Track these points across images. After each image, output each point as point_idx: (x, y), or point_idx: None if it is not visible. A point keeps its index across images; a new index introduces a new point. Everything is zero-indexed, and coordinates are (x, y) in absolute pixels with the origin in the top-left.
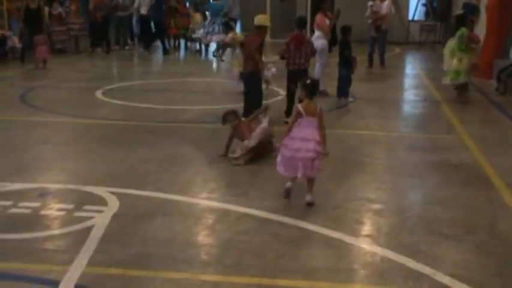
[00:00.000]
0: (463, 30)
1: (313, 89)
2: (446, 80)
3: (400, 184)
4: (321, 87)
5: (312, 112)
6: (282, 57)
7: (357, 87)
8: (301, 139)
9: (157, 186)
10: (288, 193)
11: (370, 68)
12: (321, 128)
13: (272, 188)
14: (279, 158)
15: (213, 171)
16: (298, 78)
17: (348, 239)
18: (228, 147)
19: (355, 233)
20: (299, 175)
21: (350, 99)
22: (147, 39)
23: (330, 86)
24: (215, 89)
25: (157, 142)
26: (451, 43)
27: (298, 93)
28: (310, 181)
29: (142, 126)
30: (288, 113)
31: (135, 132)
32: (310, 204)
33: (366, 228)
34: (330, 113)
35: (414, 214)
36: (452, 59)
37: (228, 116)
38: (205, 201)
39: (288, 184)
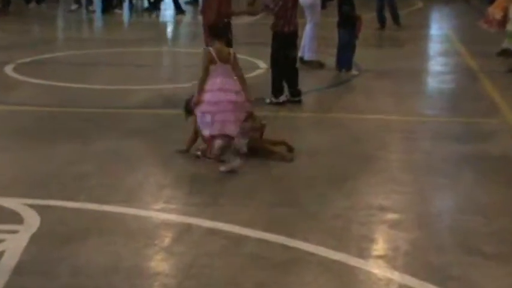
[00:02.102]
0: None
1: (224, 29)
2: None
3: (424, 186)
4: (313, 56)
5: (225, 58)
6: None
7: (363, 55)
8: (219, 90)
9: (93, 195)
10: (229, 167)
11: (382, 29)
12: (238, 75)
13: (249, 194)
14: (199, 120)
15: (170, 173)
16: (293, 43)
17: (353, 261)
18: (192, 142)
19: (362, 253)
20: (229, 131)
21: (354, 72)
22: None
23: (327, 54)
24: (172, 62)
25: (94, 135)
26: None
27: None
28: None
29: (72, 113)
30: (278, 90)
31: (63, 122)
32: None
33: (378, 247)
34: (327, 91)
35: (443, 226)
36: None
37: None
38: (160, 214)
39: (224, 157)
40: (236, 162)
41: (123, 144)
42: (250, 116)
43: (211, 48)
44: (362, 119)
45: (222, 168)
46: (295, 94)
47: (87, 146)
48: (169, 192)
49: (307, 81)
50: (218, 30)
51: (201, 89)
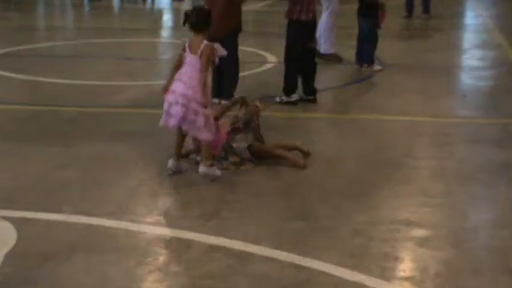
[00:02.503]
0: None
1: (196, 18)
2: None
3: (457, 198)
4: (330, 49)
5: (195, 48)
6: None
7: (386, 48)
8: (176, 79)
9: (79, 207)
10: (174, 168)
11: (409, 17)
12: (202, 71)
13: (256, 205)
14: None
15: (166, 181)
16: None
17: (374, 282)
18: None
19: (385, 274)
20: (171, 123)
21: (376, 67)
22: None
23: (345, 47)
24: (167, 55)
25: (79, 138)
26: None
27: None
28: (197, 144)
29: (54, 113)
30: (291, 88)
31: (43, 122)
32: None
33: (403, 267)
34: (346, 88)
35: (480, 244)
36: None
37: None
38: (154, 228)
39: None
40: (212, 171)
41: (112, 148)
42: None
43: (187, 39)
44: (386, 120)
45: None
46: (310, 92)
47: (71, 150)
48: (165, 203)
49: (323, 78)
50: (199, 21)
51: (170, 77)
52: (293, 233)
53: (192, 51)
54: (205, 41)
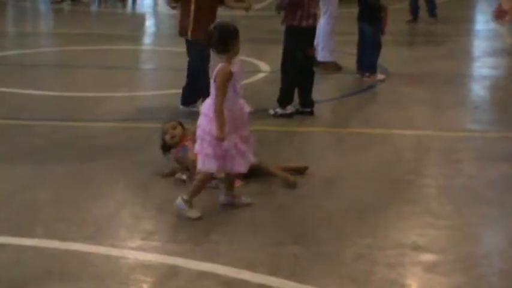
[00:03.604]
0: None
1: (212, 40)
2: None
3: (468, 219)
4: (328, 57)
5: (213, 71)
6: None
7: (390, 55)
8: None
9: (53, 230)
10: (227, 202)
11: (414, 22)
12: (215, 97)
13: (250, 228)
14: None
15: (150, 201)
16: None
17: None
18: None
19: None
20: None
21: (379, 76)
22: None
23: (345, 54)
24: (148, 64)
25: (52, 154)
26: None
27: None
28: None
29: (25, 127)
30: (287, 99)
31: (12, 138)
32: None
33: None
34: (346, 100)
35: (492, 270)
36: None
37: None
38: (137, 254)
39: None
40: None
41: (89, 165)
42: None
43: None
44: (390, 135)
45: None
46: (307, 104)
47: (44, 168)
48: (148, 225)
49: (321, 88)
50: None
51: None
52: (289, 258)
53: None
54: (220, 64)
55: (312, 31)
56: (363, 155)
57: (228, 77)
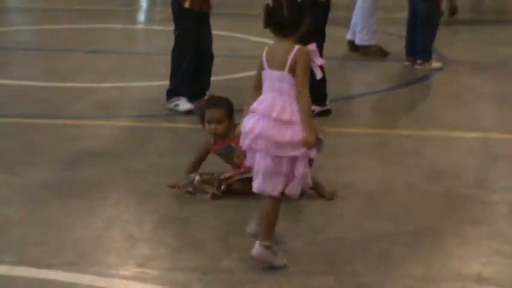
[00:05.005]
0: None
1: (277, 17)
2: None
3: None
4: (370, 39)
5: (279, 60)
6: None
7: (448, 38)
8: (261, 114)
9: (27, 255)
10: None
11: None
12: (298, 92)
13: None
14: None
15: (146, 218)
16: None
17: None
18: (192, 170)
19: None
20: (254, 188)
21: (435, 64)
22: None
23: (392, 36)
24: (144, 46)
25: (26, 160)
26: None
27: None
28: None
29: None
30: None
31: None
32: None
33: None
34: (392, 93)
35: None
36: None
37: (217, 106)
38: (131, 284)
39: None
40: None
41: (70, 175)
42: None
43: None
44: (448, 138)
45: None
46: (321, 99)
47: (15, 178)
48: (145, 249)
49: (361, 79)
50: (280, 19)
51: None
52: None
53: (274, 66)
54: (295, 45)
55: (328, 4)
56: (413, 163)
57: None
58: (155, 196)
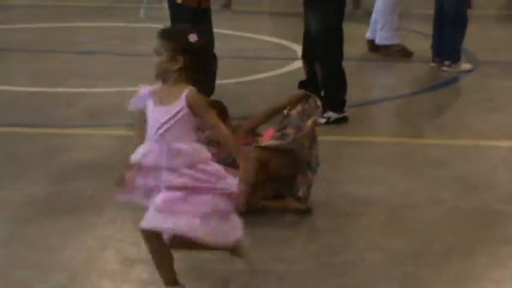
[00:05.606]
0: None
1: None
2: None
3: None
4: (392, 39)
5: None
6: None
7: (478, 37)
8: None
9: (10, 278)
10: None
11: None
12: (214, 123)
13: (281, 279)
14: None
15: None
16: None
17: None
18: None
19: None
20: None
21: (464, 65)
22: None
23: (416, 35)
24: (140, 46)
25: (9, 174)
26: None
27: None
28: None
29: None
30: (340, 97)
31: None
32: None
33: None
34: (418, 97)
35: None
36: None
37: None
38: None
39: None
40: None
41: (59, 189)
42: None
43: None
44: (478, 147)
45: None
46: (338, 105)
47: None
48: (143, 272)
49: (383, 81)
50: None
51: None
52: None
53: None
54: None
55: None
56: (441, 176)
57: None
58: None
